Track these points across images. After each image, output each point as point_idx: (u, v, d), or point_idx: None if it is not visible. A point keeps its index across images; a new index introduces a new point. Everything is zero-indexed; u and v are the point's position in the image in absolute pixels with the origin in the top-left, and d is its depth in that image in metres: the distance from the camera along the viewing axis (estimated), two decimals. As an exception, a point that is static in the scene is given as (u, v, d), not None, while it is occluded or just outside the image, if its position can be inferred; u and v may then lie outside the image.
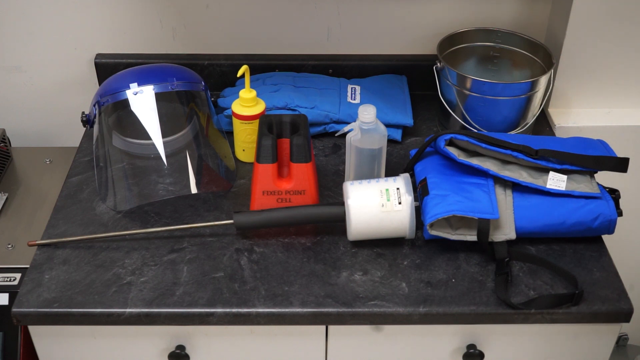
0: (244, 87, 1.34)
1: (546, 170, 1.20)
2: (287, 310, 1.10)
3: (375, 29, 1.55)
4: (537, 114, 1.42)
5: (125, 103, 1.30)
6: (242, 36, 1.55)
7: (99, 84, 1.57)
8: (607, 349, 1.20)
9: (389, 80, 1.54)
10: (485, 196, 1.16)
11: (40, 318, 1.11)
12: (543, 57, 1.43)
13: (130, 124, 1.32)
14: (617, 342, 1.81)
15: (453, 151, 1.21)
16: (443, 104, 1.43)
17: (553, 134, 1.50)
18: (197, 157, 1.35)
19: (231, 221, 1.19)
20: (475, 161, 1.20)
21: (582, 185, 1.18)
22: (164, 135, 1.30)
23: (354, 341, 1.18)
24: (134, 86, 1.30)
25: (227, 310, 1.10)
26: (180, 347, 1.17)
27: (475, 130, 1.38)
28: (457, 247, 1.19)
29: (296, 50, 1.57)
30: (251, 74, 1.47)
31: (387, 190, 1.16)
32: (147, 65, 1.41)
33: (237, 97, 1.35)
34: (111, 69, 1.52)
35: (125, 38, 1.55)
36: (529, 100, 1.38)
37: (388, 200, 1.16)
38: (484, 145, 1.20)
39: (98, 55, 1.55)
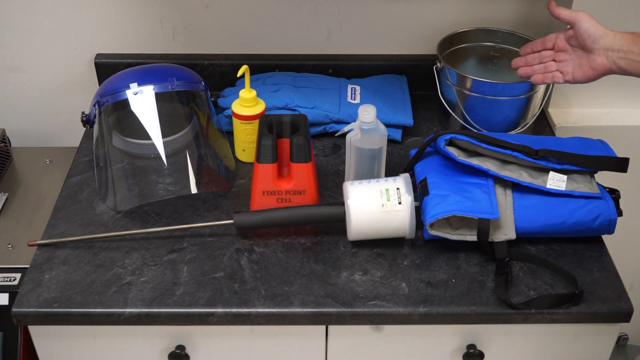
0: (244, 87, 1.34)
1: (546, 170, 1.20)
2: (287, 310, 1.10)
3: (375, 29, 1.55)
4: (537, 114, 1.42)
5: (125, 103, 1.30)
6: (242, 36, 1.55)
7: (99, 84, 1.57)
8: (607, 349, 1.20)
9: (389, 80, 1.54)
10: (485, 196, 1.16)
11: (40, 318, 1.11)
12: (543, 57, 1.43)
13: (130, 124, 1.32)
14: (617, 342, 1.81)
15: (453, 151, 1.21)
16: (443, 104, 1.43)
17: (553, 134, 1.50)
18: (197, 157, 1.35)
19: (231, 221, 1.19)
20: (475, 161, 1.20)
21: (582, 185, 1.18)
22: (164, 135, 1.30)
23: (354, 341, 1.18)
24: (134, 86, 1.30)
25: (227, 310, 1.10)
26: (180, 347, 1.17)
27: (475, 130, 1.38)
28: (457, 247, 1.19)
29: (296, 50, 1.57)
30: (251, 74, 1.47)
31: (387, 190, 1.16)
32: (147, 65, 1.41)
33: (237, 97, 1.35)
34: (111, 69, 1.52)
35: (125, 38, 1.55)
36: (529, 100, 1.38)
37: (388, 200, 1.16)
38: (484, 145, 1.20)
39: (98, 55, 1.55)
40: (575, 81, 1.21)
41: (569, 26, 1.20)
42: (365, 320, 1.12)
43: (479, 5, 1.51)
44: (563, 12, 1.19)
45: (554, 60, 1.24)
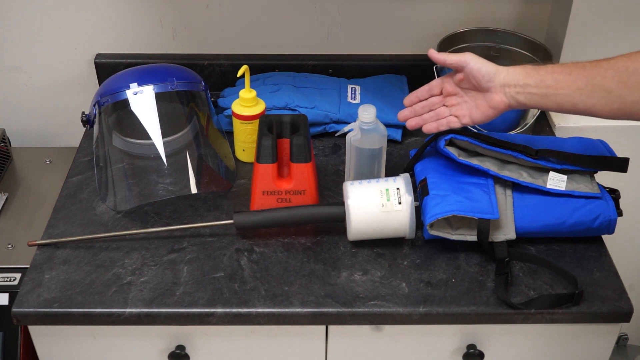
0: (244, 87, 1.34)
1: (546, 170, 1.20)
2: (287, 310, 1.10)
3: (375, 29, 1.55)
4: (537, 114, 1.42)
5: (125, 103, 1.30)
6: (242, 36, 1.55)
7: (99, 84, 1.57)
8: (607, 349, 1.20)
9: (389, 80, 1.54)
10: (485, 196, 1.16)
11: (40, 318, 1.11)
12: (543, 57, 1.43)
13: (130, 124, 1.32)
14: (617, 342, 1.81)
15: (453, 151, 1.21)
16: (443, 104, 1.43)
17: (553, 134, 1.50)
18: (197, 157, 1.35)
19: (231, 221, 1.19)
20: (475, 161, 1.20)
21: (582, 185, 1.18)
22: (164, 135, 1.30)
23: (354, 341, 1.18)
24: (134, 86, 1.30)
25: (227, 310, 1.10)
26: (180, 347, 1.17)
27: (475, 130, 1.38)
28: (457, 247, 1.19)
29: (296, 50, 1.57)
30: (251, 74, 1.47)
31: (387, 190, 1.16)
32: (147, 65, 1.41)
33: (237, 97, 1.35)
34: (111, 69, 1.52)
35: (125, 38, 1.55)
36: (529, 100, 1.38)
37: (388, 200, 1.16)
38: (484, 145, 1.20)
39: (98, 55, 1.56)
40: (474, 123, 1.16)
41: (454, 70, 1.16)
42: (365, 320, 1.12)
43: (479, 5, 1.51)
44: (448, 58, 1.14)
45: (444, 105, 1.19)
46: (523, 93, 1.10)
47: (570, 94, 1.06)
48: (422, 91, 1.20)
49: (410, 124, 1.21)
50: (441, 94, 1.19)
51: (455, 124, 1.17)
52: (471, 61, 1.12)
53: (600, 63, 1.06)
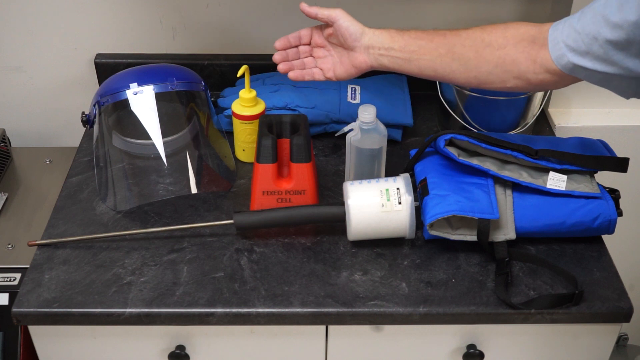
0: (244, 87, 1.34)
1: (546, 170, 1.20)
2: (287, 310, 1.10)
3: (375, 29, 1.55)
4: (537, 114, 1.42)
5: (125, 103, 1.30)
6: (242, 36, 1.55)
7: (99, 84, 1.57)
8: (607, 349, 1.20)
9: (389, 80, 1.54)
10: (485, 196, 1.16)
11: (40, 318, 1.11)
12: (543, 57, 1.43)
13: (130, 124, 1.32)
14: (617, 342, 1.81)
15: (453, 151, 1.21)
16: (443, 104, 1.43)
17: (553, 134, 1.50)
18: (197, 157, 1.35)
19: (231, 221, 1.19)
20: (475, 161, 1.20)
21: (582, 185, 1.18)
22: (164, 135, 1.30)
23: (354, 341, 1.18)
24: (134, 86, 1.30)
25: (227, 310, 1.10)
26: (180, 347, 1.17)
27: (475, 130, 1.38)
28: (457, 247, 1.19)
29: (296, 50, 1.57)
30: (251, 74, 1.47)
31: (387, 190, 1.16)
32: (147, 65, 1.41)
33: (237, 97, 1.35)
34: (111, 69, 1.52)
35: (125, 38, 1.55)
36: (529, 100, 1.38)
37: (388, 200, 1.16)
38: (484, 145, 1.20)
39: (98, 55, 1.56)
40: (337, 78, 1.21)
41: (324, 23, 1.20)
42: (365, 320, 1.12)
43: (479, 5, 1.51)
44: (320, 12, 1.17)
45: (312, 56, 1.23)
46: (387, 56, 1.15)
47: (432, 59, 1.12)
48: (292, 36, 1.23)
49: (281, 68, 1.24)
50: (310, 43, 1.22)
51: (319, 76, 1.22)
52: (341, 18, 1.16)
53: (460, 32, 1.10)
